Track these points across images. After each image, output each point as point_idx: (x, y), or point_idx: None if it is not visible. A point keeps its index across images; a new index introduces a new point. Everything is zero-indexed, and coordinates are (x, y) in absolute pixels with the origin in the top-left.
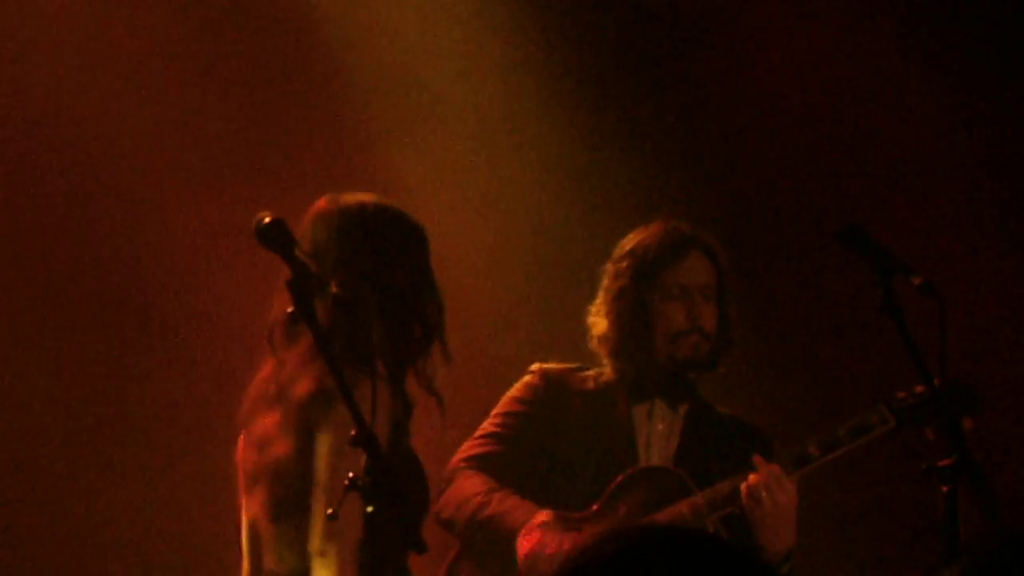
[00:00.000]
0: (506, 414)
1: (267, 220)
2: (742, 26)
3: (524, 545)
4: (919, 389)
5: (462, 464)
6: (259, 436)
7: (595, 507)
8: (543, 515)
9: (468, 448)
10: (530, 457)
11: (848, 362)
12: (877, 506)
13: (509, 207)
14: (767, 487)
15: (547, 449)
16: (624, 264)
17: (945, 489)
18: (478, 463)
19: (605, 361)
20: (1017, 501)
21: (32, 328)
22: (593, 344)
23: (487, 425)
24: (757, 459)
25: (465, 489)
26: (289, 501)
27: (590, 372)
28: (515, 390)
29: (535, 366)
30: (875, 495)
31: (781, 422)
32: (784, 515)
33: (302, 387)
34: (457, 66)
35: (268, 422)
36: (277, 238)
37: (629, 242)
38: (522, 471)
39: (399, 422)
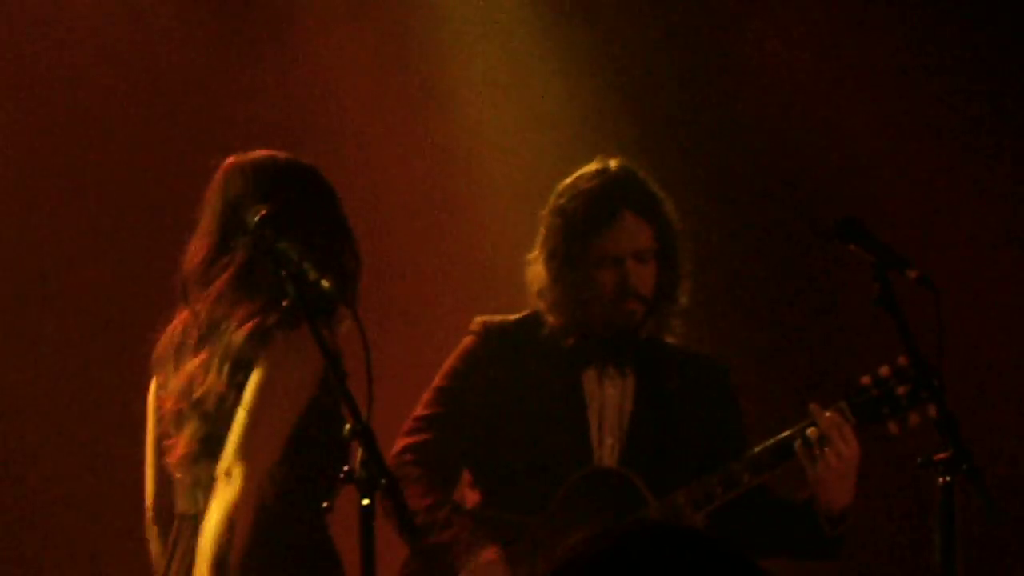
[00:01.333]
0: (446, 389)
1: (259, 215)
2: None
3: None
4: (884, 372)
5: (406, 458)
6: (185, 379)
7: (544, 515)
8: (488, 554)
9: (409, 434)
10: (473, 437)
11: (846, 356)
12: (873, 500)
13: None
14: (829, 440)
15: (491, 426)
16: (557, 222)
17: (942, 482)
18: (419, 455)
19: (547, 316)
20: (1016, 495)
21: (32, 324)
22: (531, 296)
23: (429, 401)
24: (814, 408)
25: (408, 498)
26: (215, 440)
27: (539, 326)
28: (455, 358)
29: (476, 323)
30: (871, 489)
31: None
32: (847, 469)
33: (239, 329)
34: None
35: (195, 363)
36: (269, 232)
37: (563, 194)
38: (465, 456)
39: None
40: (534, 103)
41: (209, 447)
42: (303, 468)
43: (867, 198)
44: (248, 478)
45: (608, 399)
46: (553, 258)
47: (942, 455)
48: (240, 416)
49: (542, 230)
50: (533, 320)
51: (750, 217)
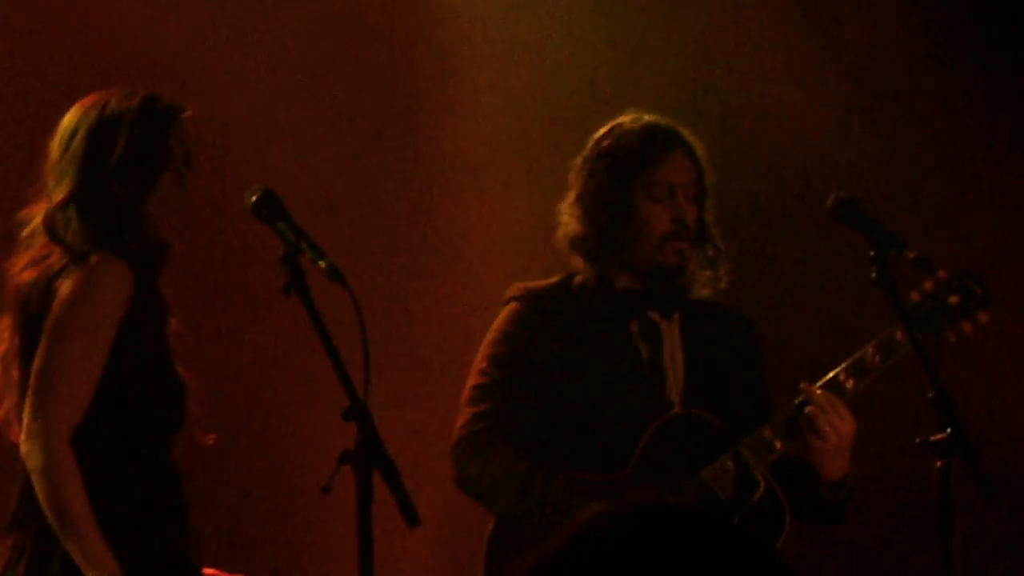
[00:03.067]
0: (501, 355)
1: (257, 194)
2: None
3: None
4: (928, 286)
5: (478, 427)
6: None
7: (628, 468)
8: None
9: (473, 403)
10: (538, 400)
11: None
12: (869, 482)
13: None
14: (830, 421)
15: (550, 386)
16: (602, 162)
17: (939, 464)
18: (491, 422)
19: (581, 265)
20: (1016, 477)
21: None
22: (564, 246)
23: (485, 369)
24: (808, 388)
25: (495, 469)
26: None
27: (576, 282)
28: (502, 323)
29: (515, 289)
30: (867, 470)
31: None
32: (847, 444)
33: (22, 278)
34: None
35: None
36: (267, 211)
37: (605, 138)
38: (536, 420)
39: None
40: (542, 107)
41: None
42: (120, 423)
43: (870, 180)
44: (45, 432)
45: (658, 348)
46: (596, 198)
47: (939, 436)
48: (36, 364)
49: (578, 178)
50: (568, 281)
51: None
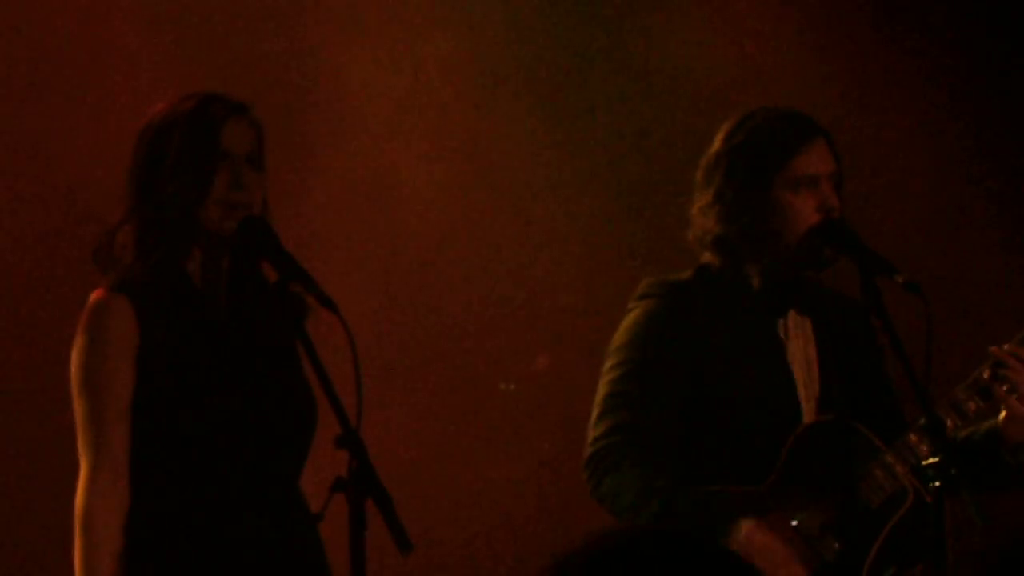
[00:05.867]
0: (636, 360)
1: (246, 221)
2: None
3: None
4: None
5: (613, 441)
6: None
7: (772, 480)
8: (750, 528)
9: (608, 414)
10: (678, 406)
11: None
12: None
13: None
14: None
15: (695, 391)
16: (741, 158)
17: (931, 487)
18: (628, 435)
19: (716, 262)
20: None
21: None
22: (698, 245)
23: (621, 374)
24: (999, 350)
25: (632, 485)
26: None
27: (715, 279)
28: (636, 322)
29: (651, 285)
30: None
31: None
32: None
33: None
34: None
35: None
36: (258, 239)
37: (737, 133)
38: (675, 427)
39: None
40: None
41: None
42: (167, 458)
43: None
44: (82, 485)
45: (796, 348)
46: (740, 192)
47: (931, 460)
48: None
49: (712, 176)
50: (703, 275)
51: None
